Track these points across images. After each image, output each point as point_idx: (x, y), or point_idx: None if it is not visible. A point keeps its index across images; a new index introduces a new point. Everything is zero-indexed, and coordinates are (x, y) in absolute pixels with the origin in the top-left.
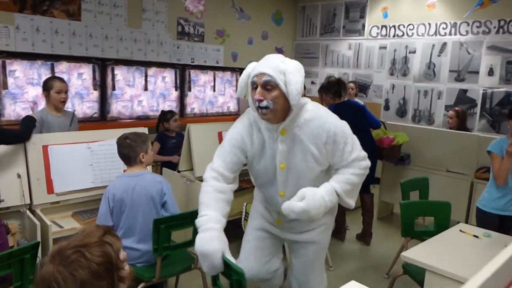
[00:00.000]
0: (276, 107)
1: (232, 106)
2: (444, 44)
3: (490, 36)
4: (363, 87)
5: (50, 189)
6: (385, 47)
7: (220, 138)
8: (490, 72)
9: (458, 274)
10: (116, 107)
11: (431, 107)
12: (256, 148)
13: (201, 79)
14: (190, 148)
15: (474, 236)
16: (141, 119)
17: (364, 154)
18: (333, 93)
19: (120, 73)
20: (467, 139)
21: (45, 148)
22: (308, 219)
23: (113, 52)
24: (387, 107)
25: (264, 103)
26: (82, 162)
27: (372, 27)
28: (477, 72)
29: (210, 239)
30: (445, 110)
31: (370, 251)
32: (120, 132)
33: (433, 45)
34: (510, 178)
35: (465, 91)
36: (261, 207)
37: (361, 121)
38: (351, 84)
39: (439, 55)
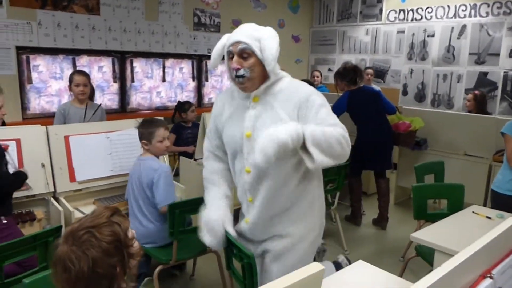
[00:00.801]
0: (253, 75)
1: None
2: (464, 26)
3: (511, 17)
4: (380, 73)
5: (72, 178)
6: (403, 32)
7: None
8: (511, 54)
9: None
10: (136, 99)
11: (450, 91)
12: (226, 116)
13: (218, 69)
14: None
15: (487, 217)
16: (160, 110)
17: (344, 127)
18: (348, 80)
19: (139, 65)
20: (485, 122)
21: (66, 138)
22: (270, 149)
23: (131, 45)
24: (405, 92)
25: (241, 72)
26: (102, 152)
27: (390, 11)
28: (498, 54)
29: (209, 211)
30: (465, 93)
31: (386, 236)
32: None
33: (452, 28)
34: None
35: (485, 73)
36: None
37: (376, 106)
38: (370, 70)
39: (458, 38)
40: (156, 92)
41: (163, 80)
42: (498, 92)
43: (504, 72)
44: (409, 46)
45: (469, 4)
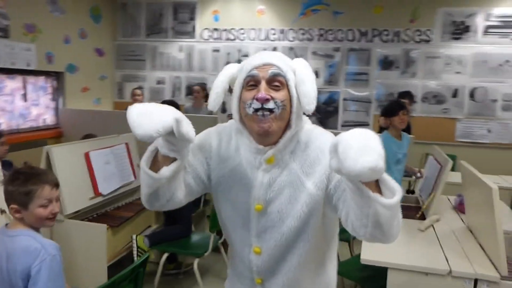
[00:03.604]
0: (283, 115)
1: (49, 119)
2: (275, 49)
3: (313, 43)
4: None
5: None
6: (218, 50)
7: (88, 160)
8: (316, 75)
9: (419, 265)
10: None
11: None
12: (225, 162)
13: (8, 86)
14: None
15: None
16: None
17: None
18: None
19: None
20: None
21: None
22: (374, 166)
23: None
24: (223, 110)
25: (271, 104)
26: None
27: (204, 29)
28: None
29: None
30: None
31: None
32: None
33: (265, 49)
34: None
35: None
36: (234, 278)
37: None
38: (197, 87)
39: None
40: None
41: None
42: None
43: None
44: (225, 65)
45: (278, 29)
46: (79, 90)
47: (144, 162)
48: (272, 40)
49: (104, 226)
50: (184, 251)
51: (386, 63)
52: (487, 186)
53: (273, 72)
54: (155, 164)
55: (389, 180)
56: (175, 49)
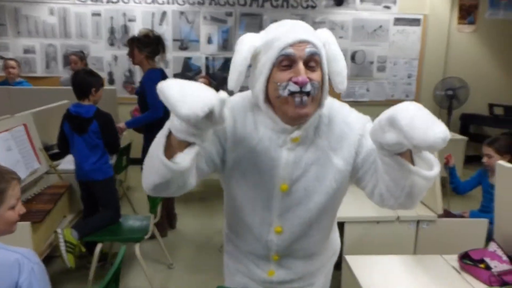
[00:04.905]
0: (317, 96)
1: None
2: (164, 13)
3: (205, 7)
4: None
5: None
6: (99, 14)
7: None
8: (209, 41)
9: (371, 216)
10: None
11: None
12: (242, 142)
13: None
14: None
15: None
16: None
17: None
18: (149, 52)
19: None
20: None
21: None
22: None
23: None
24: (111, 81)
25: (308, 87)
26: None
27: None
28: (198, 41)
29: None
30: (173, 77)
31: (204, 231)
32: None
33: (153, 14)
34: None
35: (189, 58)
36: (240, 255)
37: None
38: (73, 57)
39: (160, 24)
40: None
41: None
42: (203, 74)
43: (206, 57)
44: (109, 31)
45: None
46: None
47: (160, 151)
48: (160, 4)
49: (28, 223)
50: (120, 237)
51: None
52: None
53: (310, 51)
54: (167, 149)
55: (426, 152)
56: (44, 12)
